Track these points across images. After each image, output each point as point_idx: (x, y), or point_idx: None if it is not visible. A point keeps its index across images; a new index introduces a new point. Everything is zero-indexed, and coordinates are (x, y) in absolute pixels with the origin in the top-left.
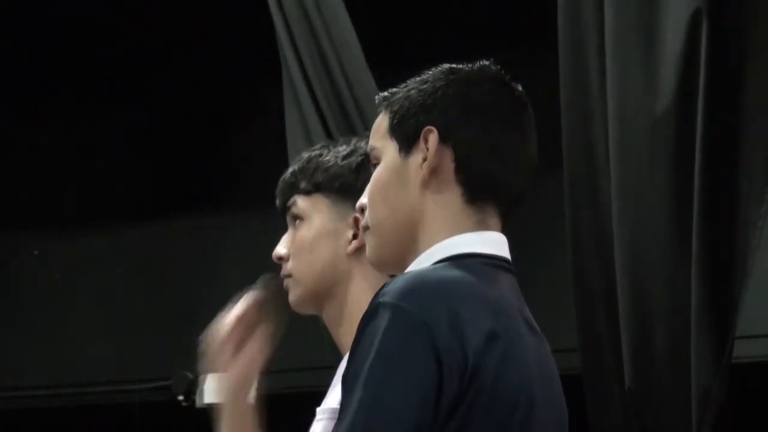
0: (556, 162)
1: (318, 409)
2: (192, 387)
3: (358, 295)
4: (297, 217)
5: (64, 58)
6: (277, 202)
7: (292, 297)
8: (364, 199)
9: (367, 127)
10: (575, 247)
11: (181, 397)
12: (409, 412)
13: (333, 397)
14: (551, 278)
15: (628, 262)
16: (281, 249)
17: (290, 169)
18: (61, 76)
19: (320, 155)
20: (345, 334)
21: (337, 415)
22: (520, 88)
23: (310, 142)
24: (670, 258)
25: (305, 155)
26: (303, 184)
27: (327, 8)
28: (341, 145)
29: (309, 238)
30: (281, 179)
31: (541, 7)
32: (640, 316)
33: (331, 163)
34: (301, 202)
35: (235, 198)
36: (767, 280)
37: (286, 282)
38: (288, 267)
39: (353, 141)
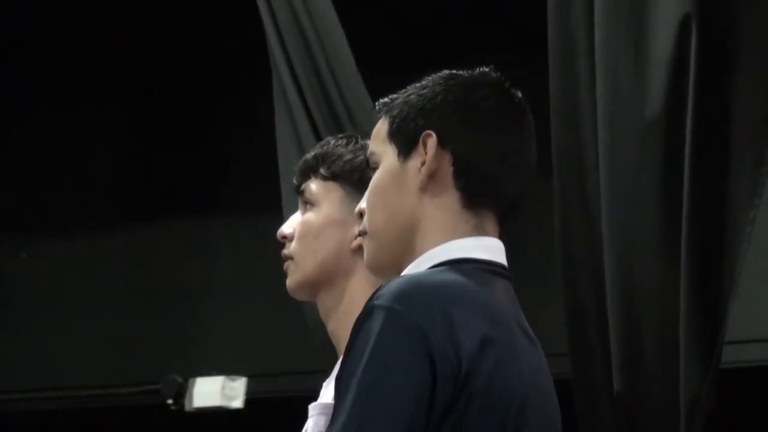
0: (550, 166)
1: (310, 406)
2: (181, 390)
3: (357, 292)
4: (308, 201)
5: (58, 61)
6: (294, 181)
7: (290, 281)
8: (362, 204)
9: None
10: (565, 252)
11: (170, 401)
12: (402, 414)
13: (326, 394)
14: (541, 283)
15: (617, 268)
16: (286, 228)
17: (313, 152)
18: (53, 77)
19: (346, 144)
20: (339, 327)
21: (327, 411)
22: (519, 93)
23: (300, 147)
24: (660, 263)
25: (331, 141)
26: (321, 169)
27: (318, 14)
28: (368, 139)
29: (316, 224)
30: (302, 160)
31: (531, 11)
32: (629, 322)
33: (353, 156)
34: (315, 187)
35: (227, 201)
36: (756, 285)
37: (287, 264)
38: (291, 248)
39: None
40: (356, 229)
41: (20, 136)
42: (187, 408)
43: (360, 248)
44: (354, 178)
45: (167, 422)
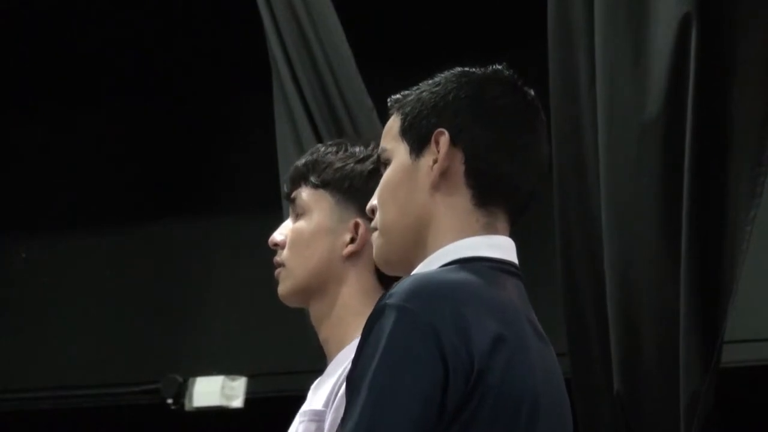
0: (549, 166)
1: (299, 411)
2: (181, 390)
3: (349, 298)
4: (299, 209)
5: (54, 61)
6: (284, 188)
7: (282, 288)
8: (374, 201)
9: (358, 132)
10: (565, 253)
11: (170, 400)
12: (414, 413)
13: (316, 400)
14: (540, 283)
15: (617, 268)
16: (278, 236)
17: (303, 159)
18: (50, 77)
19: (336, 152)
20: (331, 334)
21: (318, 418)
22: (532, 92)
23: (300, 148)
24: (660, 263)
25: (321, 148)
26: (312, 177)
27: (317, 12)
28: (358, 146)
29: (306, 232)
30: (293, 167)
31: (529, 11)
32: (629, 322)
33: (343, 163)
34: (305, 195)
35: (227, 201)
36: (756, 285)
37: (278, 271)
38: (282, 256)
39: (371, 145)
40: (347, 237)
41: (20, 135)
42: (187, 408)
43: (351, 255)
44: (344, 186)
45: (167, 422)
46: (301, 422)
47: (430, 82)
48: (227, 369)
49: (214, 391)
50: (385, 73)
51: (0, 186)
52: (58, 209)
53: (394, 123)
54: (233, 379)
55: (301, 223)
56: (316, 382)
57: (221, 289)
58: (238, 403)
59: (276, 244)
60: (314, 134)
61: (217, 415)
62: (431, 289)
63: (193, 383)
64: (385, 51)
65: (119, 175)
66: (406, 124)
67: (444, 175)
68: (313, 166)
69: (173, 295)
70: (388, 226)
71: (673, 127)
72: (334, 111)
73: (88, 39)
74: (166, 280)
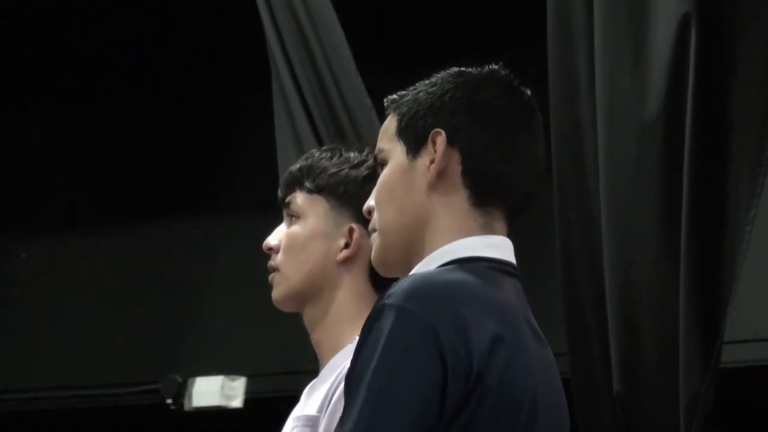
0: (549, 166)
1: (291, 416)
2: (181, 390)
3: (343, 303)
4: (294, 214)
5: (54, 61)
6: (279, 193)
7: (276, 293)
8: (371, 202)
9: (358, 132)
10: (565, 253)
11: (169, 400)
12: (413, 413)
13: (310, 405)
14: (541, 283)
15: (617, 268)
16: (272, 240)
17: (298, 164)
18: (50, 77)
19: (330, 157)
20: (324, 338)
21: (311, 423)
22: (528, 92)
23: (299, 148)
24: (659, 263)
25: (315, 153)
26: (306, 183)
27: (317, 13)
28: (353, 152)
29: (301, 236)
30: (288, 171)
31: (529, 11)
32: (629, 322)
33: (338, 169)
34: (300, 200)
35: (227, 201)
36: (756, 285)
37: (272, 276)
38: (277, 260)
39: (366, 150)
40: (341, 242)
41: (20, 135)
42: (186, 408)
43: (346, 260)
44: (339, 191)
45: (167, 422)
46: (294, 427)
47: (427, 82)
48: (227, 369)
49: (214, 391)
50: (385, 73)
51: (0, 186)
52: (58, 209)
53: (390, 123)
54: (233, 379)
55: (296, 228)
56: (309, 386)
57: (221, 289)
58: (237, 403)
59: (270, 249)
60: (314, 134)
61: (216, 415)
62: (430, 289)
63: (192, 383)
64: (385, 51)
65: (119, 175)
66: (402, 124)
67: (441, 175)
68: (307, 172)
69: (173, 295)
70: (386, 227)
71: (673, 127)
72: (334, 111)
73: (88, 39)
74: (166, 280)
